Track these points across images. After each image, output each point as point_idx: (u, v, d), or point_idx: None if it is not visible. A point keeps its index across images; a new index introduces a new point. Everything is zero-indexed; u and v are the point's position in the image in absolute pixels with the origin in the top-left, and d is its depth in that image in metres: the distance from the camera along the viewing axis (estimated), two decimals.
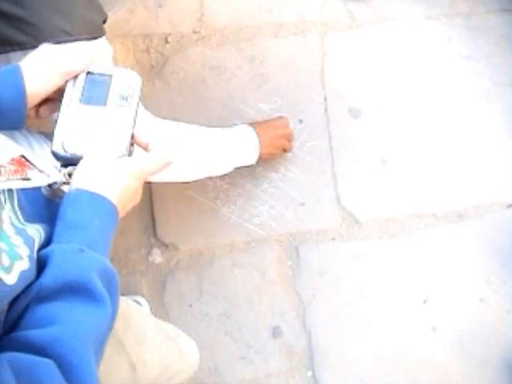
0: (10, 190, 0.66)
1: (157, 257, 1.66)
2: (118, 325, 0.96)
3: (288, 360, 1.59)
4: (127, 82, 0.78)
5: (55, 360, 0.56)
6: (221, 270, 1.64)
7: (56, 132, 0.74)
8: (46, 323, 0.58)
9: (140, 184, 0.75)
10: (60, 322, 0.58)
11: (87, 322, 0.60)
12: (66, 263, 0.62)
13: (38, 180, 0.72)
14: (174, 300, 1.64)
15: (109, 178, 0.71)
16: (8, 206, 0.64)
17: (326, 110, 1.75)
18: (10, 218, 0.64)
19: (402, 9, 1.88)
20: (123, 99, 0.76)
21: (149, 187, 1.69)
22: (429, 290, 1.61)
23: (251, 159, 1.54)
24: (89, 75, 0.77)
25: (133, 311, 1.07)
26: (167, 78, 1.76)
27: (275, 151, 1.64)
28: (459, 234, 1.65)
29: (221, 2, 1.89)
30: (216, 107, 1.75)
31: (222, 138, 1.46)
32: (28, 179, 0.70)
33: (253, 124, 1.59)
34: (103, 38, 1.01)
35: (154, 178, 1.29)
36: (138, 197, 0.77)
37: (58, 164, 0.75)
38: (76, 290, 0.61)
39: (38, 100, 0.75)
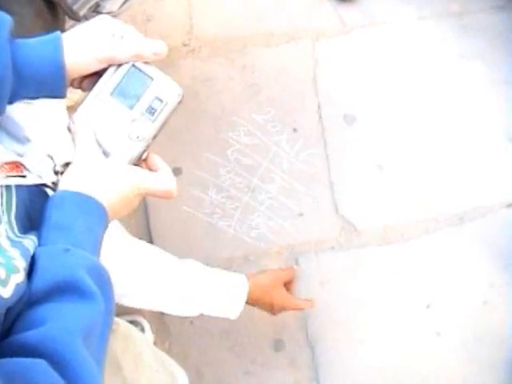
0: (8, 198, 0.69)
1: None
2: (118, 345, 1.00)
3: (292, 373, 1.63)
4: (164, 93, 0.76)
5: (49, 358, 0.57)
6: None
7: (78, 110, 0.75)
8: (37, 325, 0.60)
9: (135, 196, 0.75)
10: (51, 321, 0.60)
11: (78, 318, 0.62)
12: (52, 264, 0.64)
13: (33, 179, 0.74)
14: (174, 318, 1.66)
15: (100, 179, 0.72)
16: (5, 218, 0.67)
17: (320, 117, 1.80)
18: (6, 231, 0.66)
19: (393, 11, 1.93)
20: (150, 112, 0.76)
21: (144, 204, 1.74)
22: (431, 295, 1.65)
23: (230, 314, 1.37)
24: (132, 69, 0.76)
25: (133, 333, 1.10)
26: None
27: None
28: (460, 237, 1.69)
29: (210, 13, 1.94)
30: (209, 120, 1.80)
31: (204, 280, 1.33)
32: (24, 176, 0.72)
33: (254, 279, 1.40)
34: None
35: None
36: (130, 207, 0.77)
37: (53, 165, 0.77)
38: (65, 290, 0.63)
39: (77, 75, 0.76)
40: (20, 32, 1.00)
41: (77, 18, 1.29)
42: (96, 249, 0.71)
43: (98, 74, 0.77)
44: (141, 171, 0.77)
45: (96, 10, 1.34)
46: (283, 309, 1.46)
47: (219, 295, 1.33)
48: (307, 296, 1.64)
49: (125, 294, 1.20)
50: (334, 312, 1.67)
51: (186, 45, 1.91)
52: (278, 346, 1.65)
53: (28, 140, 1.11)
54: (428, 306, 1.65)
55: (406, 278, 1.67)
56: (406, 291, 1.66)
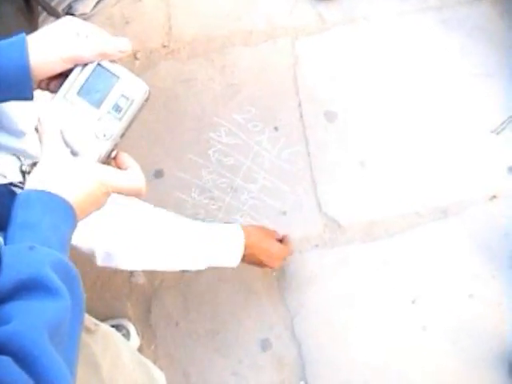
0: None
1: (139, 278, 1.70)
2: (98, 346, 1.00)
3: (280, 372, 1.63)
4: (130, 91, 0.76)
5: (16, 354, 0.57)
6: (206, 285, 1.69)
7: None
8: (3, 323, 0.60)
9: (103, 194, 0.75)
10: (17, 318, 0.60)
11: (44, 315, 0.62)
12: (16, 262, 0.64)
13: None
14: (160, 320, 1.68)
15: (66, 178, 0.72)
16: None
17: (301, 115, 1.80)
18: None
19: (372, 7, 1.93)
20: (116, 110, 0.75)
21: None
22: (417, 290, 1.66)
23: (230, 263, 1.45)
24: (98, 68, 0.76)
25: (113, 334, 1.11)
26: None
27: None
28: (444, 230, 1.70)
29: (188, 14, 1.94)
30: (189, 122, 1.80)
31: (203, 234, 1.40)
32: None
33: (247, 227, 1.49)
34: None
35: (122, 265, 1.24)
36: (98, 205, 0.76)
37: (20, 165, 0.77)
38: (30, 287, 0.63)
39: (44, 76, 0.76)
40: (2, 30, 1.00)
41: (56, 14, 1.30)
42: (63, 246, 0.70)
43: (65, 75, 0.77)
44: (109, 169, 0.77)
45: (69, 12, 1.35)
46: (273, 256, 1.50)
47: (222, 244, 1.40)
48: (293, 295, 1.64)
49: (140, 257, 1.23)
50: (320, 310, 1.67)
51: (165, 46, 1.91)
52: (264, 345, 1.65)
53: (23, 133, 1.12)
54: (414, 301, 1.65)
55: (390, 273, 1.68)
56: (392, 287, 1.67)
